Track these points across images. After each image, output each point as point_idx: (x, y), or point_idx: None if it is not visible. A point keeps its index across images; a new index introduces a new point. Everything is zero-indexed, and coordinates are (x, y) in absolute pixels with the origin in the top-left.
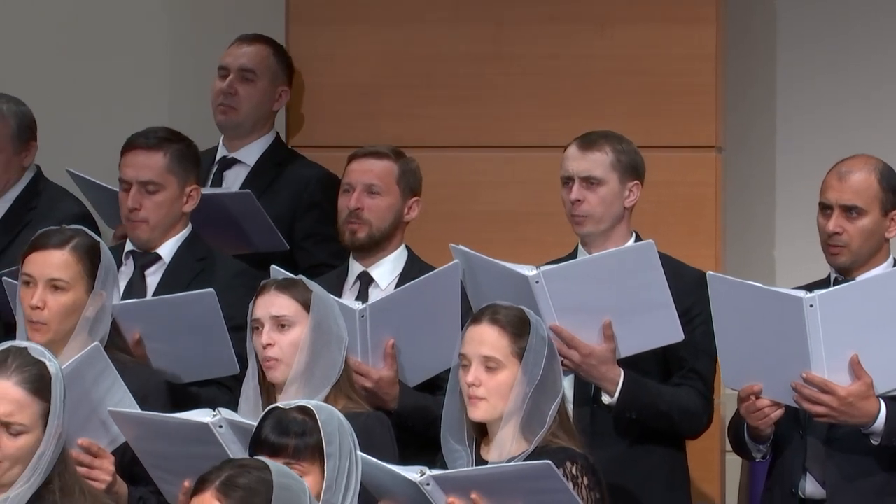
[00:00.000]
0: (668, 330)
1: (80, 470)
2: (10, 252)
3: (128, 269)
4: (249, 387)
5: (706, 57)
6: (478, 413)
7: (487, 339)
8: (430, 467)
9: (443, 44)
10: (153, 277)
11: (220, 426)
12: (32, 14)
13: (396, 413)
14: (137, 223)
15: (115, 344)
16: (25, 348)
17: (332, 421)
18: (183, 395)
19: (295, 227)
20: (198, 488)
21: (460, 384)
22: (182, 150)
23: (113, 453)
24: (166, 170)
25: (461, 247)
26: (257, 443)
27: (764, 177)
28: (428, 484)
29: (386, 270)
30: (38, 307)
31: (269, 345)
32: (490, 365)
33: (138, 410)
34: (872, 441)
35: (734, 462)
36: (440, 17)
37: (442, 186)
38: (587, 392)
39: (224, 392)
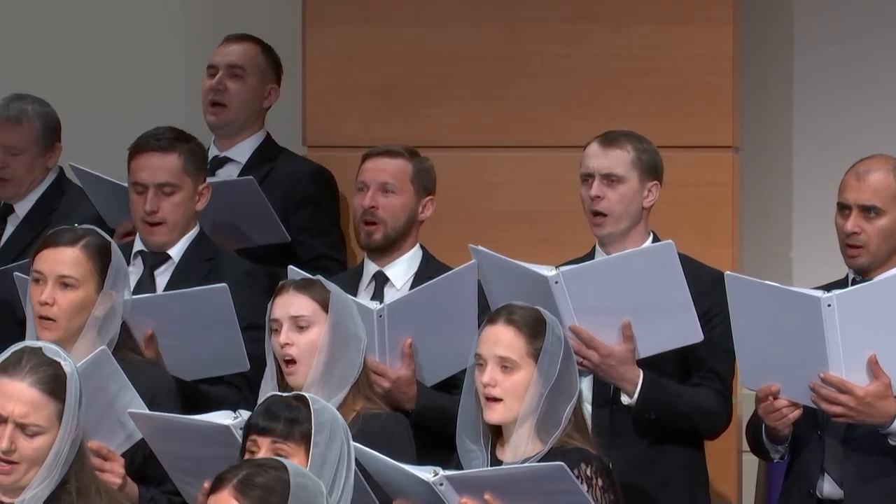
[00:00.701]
0: (687, 330)
1: None
2: (30, 252)
3: (137, 269)
4: (268, 387)
5: (723, 57)
6: (494, 416)
7: (503, 339)
8: (444, 467)
9: (459, 44)
10: (162, 277)
11: (241, 428)
12: (51, 14)
13: (414, 412)
14: (156, 227)
15: (125, 344)
16: (40, 348)
17: (326, 413)
18: (193, 394)
19: (290, 222)
20: (215, 487)
21: (476, 384)
22: (193, 148)
23: (123, 455)
24: (182, 170)
25: (480, 247)
26: (249, 424)
27: (781, 177)
28: (441, 484)
29: (401, 270)
30: (47, 303)
31: (288, 344)
32: (506, 365)
33: (158, 412)
34: (890, 441)
35: (751, 462)
36: (456, 17)
37: (458, 186)
38: (606, 393)
39: (233, 391)
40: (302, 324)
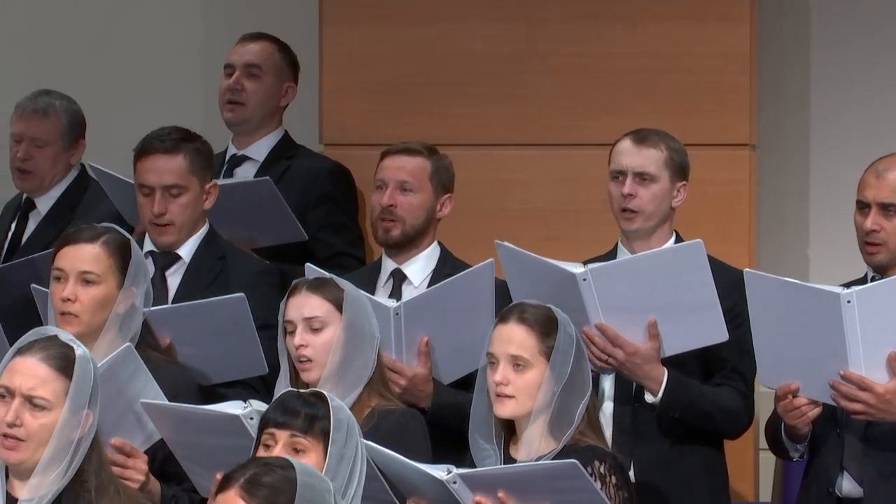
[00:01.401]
0: (713, 330)
1: (114, 469)
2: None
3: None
4: (281, 387)
5: (740, 55)
6: (505, 410)
7: (515, 337)
8: (458, 465)
9: (475, 42)
10: (174, 278)
11: (251, 418)
12: (66, 12)
13: (430, 410)
14: (164, 228)
15: (147, 342)
16: (55, 335)
17: (343, 411)
18: (211, 396)
19: (308, 219)
20: (222, 486)
21: (487, 383)
22: (198, 148)
23: (146, 453)
24: (188, 171)
25: (506, 243)
26: (265, 418)
27: (798, 175)
28: (455, 482)
29: (419, 267)
30: (69, 299)
31: (303, 346)
32: (518, 364)
33: (169, 403)
34: None
35: (768, 460)
36: (472, 16)
37: (474, 184)
38: (628, 390)
39: (251, 392)
40: (316, 325)
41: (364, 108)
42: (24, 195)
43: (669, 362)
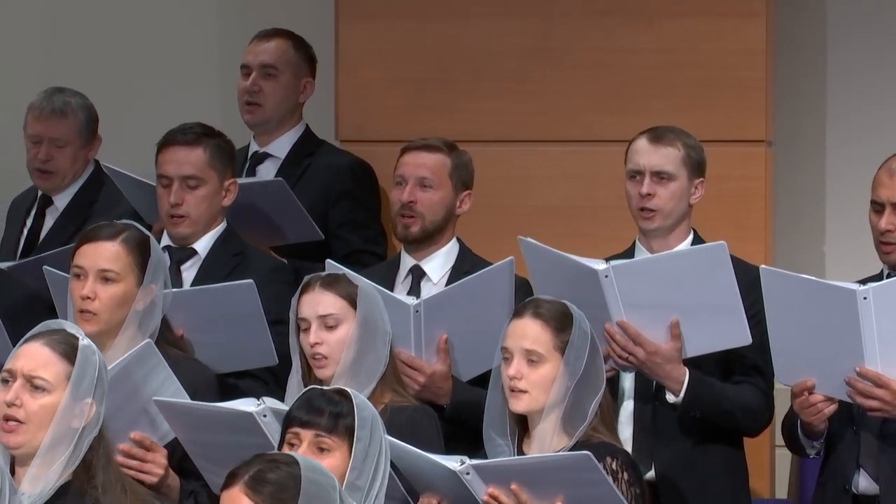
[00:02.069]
0: (735, 333)
1: (133, 464)
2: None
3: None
4: (293, 383)
5: (756, 51)
6: (519, 405)
7: (530, 332)
8: (471, 457)
9: (492, 38)
10: (189, 272)
11: (265, 415)
12: (83, 9)
13: (449, 408)
14: (179, 220)
15: (166, 338)
16: (63, 328)
17: (367, 408)
18: (221, 387)
19: (328, 215)
20: (227, 483)
21: (501, 377)
22: (219, 144)
23: (165, 448)
24: (207, 164)
25: (529, 239)
26: (290, 416)
27: (814, 171)
28: (468, 473)
29: (438, 264)
30: (88, 297)
31: (318, 343)
32: (532, 358)
33: (183, 400)
34: None
35: (784, 457)
36: (489, 12)
37: (491, 181)
38: (649, 389)
39: (260, 384)
40: (330, 322)
41: (381, 105)
42: (39, 192)
43: (690, 361)
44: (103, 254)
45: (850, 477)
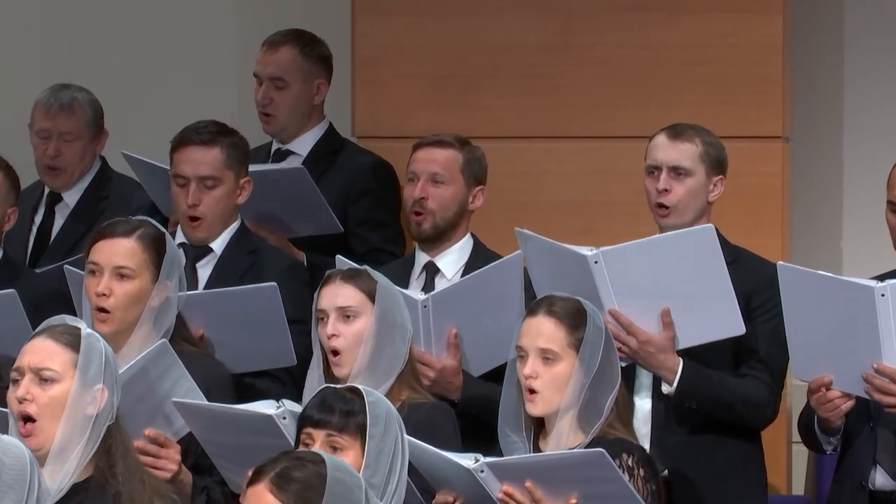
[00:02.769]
0: (729, 323)
1: (147, 460)
2: (84, 243)
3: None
4: (314, 377)
5: (774, 47)
6: (536, 409)
7: (544, 331)
8: (486, 454)
9: (509, 34)
10: (204, 270)
11: (284, 418)
12: (99, 7)
13: (460, 402)
14: (196, 224)
15: (181, 335)
16: (64, 322)
17: (380, 405)
18: (238, 386)
19: (348, 213)
20: (253, 479)
21: (518, 376)
22: (235, 143)
23: (178, 444)
24: (224, 164)
25: (525, 231)
26: (303, 416)
27: (831, 168)
28: (482, 471)
29: (452, 260)
30: (103, 294)
31: (334, 335)
32: (547, 357)
33: (202, 402)
34: None
35: (801, 453)
36: (507, 7)
37: (508, 177)
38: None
39: (277, 384)
40: (348, 314)
41: (397, 101)
42: (47, 189)
43: (698, 351)
44: (119, 250)
45: (867, 473)
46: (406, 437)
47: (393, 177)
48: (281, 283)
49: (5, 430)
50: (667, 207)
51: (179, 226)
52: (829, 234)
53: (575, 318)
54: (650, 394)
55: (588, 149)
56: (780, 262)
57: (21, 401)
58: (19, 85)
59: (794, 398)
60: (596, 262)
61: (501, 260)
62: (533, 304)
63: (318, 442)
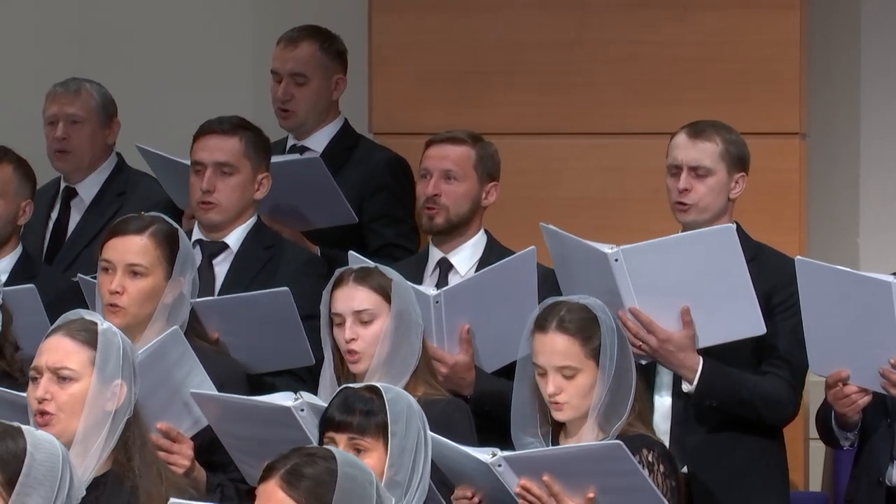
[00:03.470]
0: (750, 322)
1: (159, 455)
2: (102, 238)
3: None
4: (326, 376)
5: (790, 43)
6: (563, 416)
7: (559, 348)
8: (506, 449)
9: (525, 30)
10: (221, 266)
11: (302, 410)
12: (116, 4)
13: (473, 398)
14: (209, 206)
15: (195, 331)
16: (81, 317)
17: (400, 401)
18: (258, 385)
19: (363, 209)
20: (264, 476)
21: (541, 392)
22: (255, 137)
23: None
24: (242, 153)
25: (550, 226)
26: (325, 419)
27: (848, 163)
28: (499, 465)
29: (465, 256)
30: (116, 292)
31: (353, 339)
32: (566, 373)
33: (220, 394)
34: None
35: (818, 450)
36: (523, 4)
37: (525, 173)
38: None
39: (297, 382)
40: (365, 318)
41: (413, 97)
42: (63, 184)
43: (720, 350)
44: (131, 248)
45: (884, 469)
46: (428, 429)
47: (409, 173)
48: (299, 277)
49: (21, 419)
50: (687, 205)
51: (196, 223)
52: (845, 229)
53: (587, 329)
54: (670, 392)
55: (604, 145)
56: (798, 257)
57: (40, 400)
58: (34, 84)
59: (812, 395)
60: (616, 261)
61: (514, 255)
62: (540, 318)
63: (342, 445)
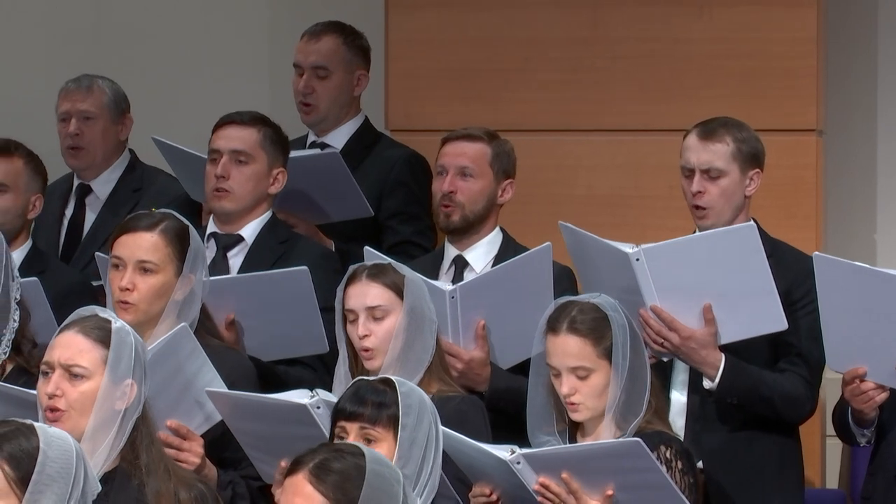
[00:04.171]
0: (771, 318)
1: (169, 452)
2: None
3: (210, 251)
4: (341, 372)
5: (807, 40)
6: (580, 416)
7: (571, 350)
8: (521, 446)
9: (541, 27)
10: (236, 259)
11: (318, 407)
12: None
13: (488, 394)
14: (222, 194)
15: (205, 327)
16: (95, 314)
17: (413, 395)
18: (270, 374)
19: (381, 206)
20: (291, 470)
21: (557, 392)
22: (273, 133)
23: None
24: (258, 144)
25: (569, 224)
26: (337, 410)
27: (865, 160)
28: (518, 462)
29: (481, 253)
30: (127, 289)
31: (366, 336)
32: (580, 374)
33: (235, 391)
34: None
35: (835, 446)
36: (538, 1)
37: (540, 170)
38: (701, 379)
39: (309, 372)
40: (378, 314)
41: (430, 94)
42: (76, 181)
43: (736, 346)
44: (142, 244)
45: None
46: (440, 427)
47: (427, 170)
48: (313, 271)
49: (32, 415)
50: (703, 209)
51: (211, 216)
52: (862, 226)
53: (598, 329)
54: (685, 388)
55: (620, 142)
56: (816, 253)
57: (51, 396)
58: (49, 79)
59: (829, 392)
60: (637, 260)
61: (530, 251)
62: (552, 319)
63: (352, 435)
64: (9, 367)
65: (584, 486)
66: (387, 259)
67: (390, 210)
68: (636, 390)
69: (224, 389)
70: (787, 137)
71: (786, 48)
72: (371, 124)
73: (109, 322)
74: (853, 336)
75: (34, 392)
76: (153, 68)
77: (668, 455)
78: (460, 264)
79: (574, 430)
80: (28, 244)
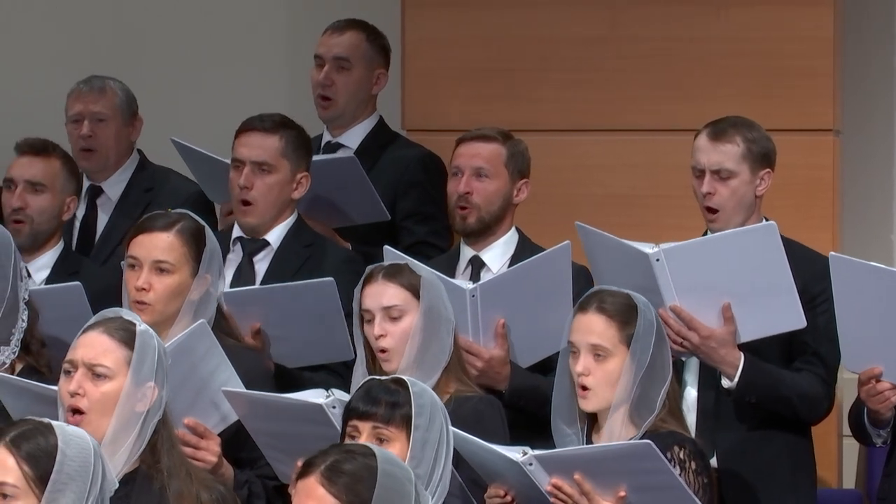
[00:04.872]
0: (790, 316)
1: (186, 450)
2: None
3: (236, 256)
4: (359, 373)
5: (824, 39)
6: (588, 405)
7: (595, 327)
8: (533, 446)
9: (557, 26)
10: (262, 264)
11: (334, 407)
12: None
13: (507, 393)
14: (247, 208)
15: (221, 328)
16: (119, 315)
17: (425, 395)
18: (294, 380)
19: (396, 206)
20: (303, 472)
21: (570, 369)
22: (296, 136)
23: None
24: (280, 153)
25: (586, 225)
26: (349, 409)
27: (882, 160)
28: (530, 464)
29: (497, 254)
30: (143, 288)
31: (382, 336)
32: (598, 353)
33: (251, 391)
34: None
35: (851, 447)
36: (555, 1)
37: (556, 170)
38: (714, 376)
39: (334, 377)
40: (395, 314)
41: (447, 94)
42: (86, 183)
43: (750, 345)
44: (158, 244)
45: None
46: (451, 428)
47: (442, 170)
48: (338, 275)
49: (49, 412)
50: (714, 212)
51: (231, 217)
52: (879, 226)
53: (626, 314)
54: (696, 384)
55: (636, 142)
56: (832, 253)
57: (73, 395)
58: (65, 76)
59: (845, 392)
60: (658, 261)
61: (549, 250)
62: (583, 300)
63: (365, 434)
64: (18, 367)
65: (597, 487)
66: (405, 258)
67: (405, 211)
68: (653, 387)
69: (241, 389)
70: (803, 137)
71: (803, 47)
72: (386, 124)
73: (134, 324)
74: (869, 336)
75: (51, 387)
76: (168, 67)
77: (681, 455)
78: (477, 265)
79: (591, 424)
80: (60, 245)
